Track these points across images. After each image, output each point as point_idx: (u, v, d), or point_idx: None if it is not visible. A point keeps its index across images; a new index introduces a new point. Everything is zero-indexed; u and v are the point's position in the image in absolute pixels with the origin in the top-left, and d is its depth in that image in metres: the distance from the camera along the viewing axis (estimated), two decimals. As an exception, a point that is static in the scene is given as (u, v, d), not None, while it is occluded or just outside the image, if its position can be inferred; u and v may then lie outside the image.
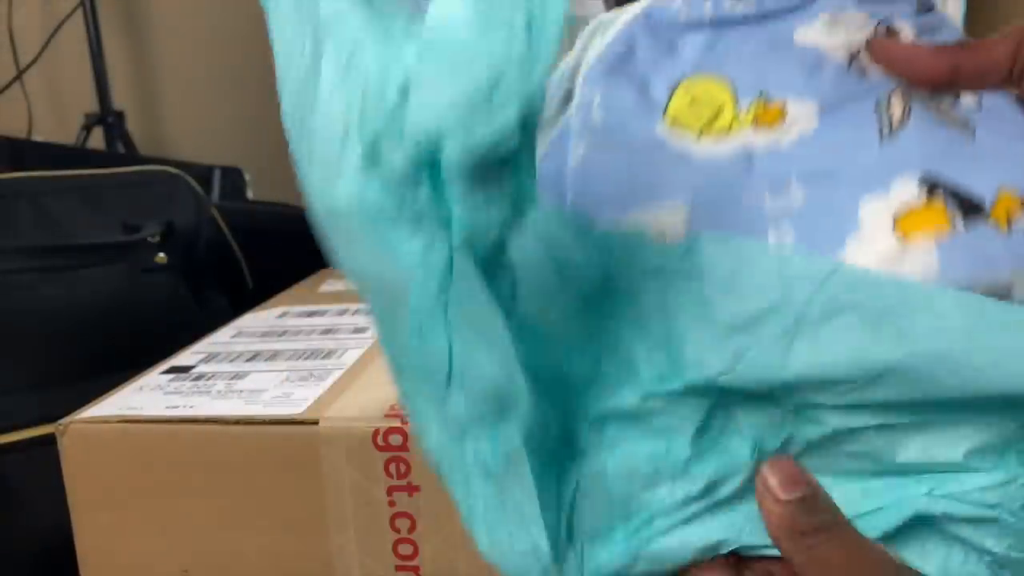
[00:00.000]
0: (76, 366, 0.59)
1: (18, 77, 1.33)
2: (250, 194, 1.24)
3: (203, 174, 1.19)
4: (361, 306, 0.55)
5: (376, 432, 0.36)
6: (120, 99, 1.41)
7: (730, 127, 0.25)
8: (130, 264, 0.65)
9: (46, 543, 0.52)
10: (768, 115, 0.25)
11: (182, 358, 0.46)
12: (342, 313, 0.54)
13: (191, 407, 0.38)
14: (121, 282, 0.64)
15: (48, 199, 0.64)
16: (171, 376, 0.43)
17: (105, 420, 0.38)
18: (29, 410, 0.56)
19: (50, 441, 0.39)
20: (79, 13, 1.32)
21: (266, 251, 0.80)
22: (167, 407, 0.39)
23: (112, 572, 0.39)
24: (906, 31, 0.26)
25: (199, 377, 0.43)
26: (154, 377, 0.43)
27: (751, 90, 0.26)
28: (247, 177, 1.23)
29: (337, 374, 0.42)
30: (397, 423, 0.36)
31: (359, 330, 0.50)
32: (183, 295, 0.68)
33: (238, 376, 0.42)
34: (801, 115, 0.25)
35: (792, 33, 0.27)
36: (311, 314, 0.55)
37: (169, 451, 0.37)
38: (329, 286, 0.64)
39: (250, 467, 0.37)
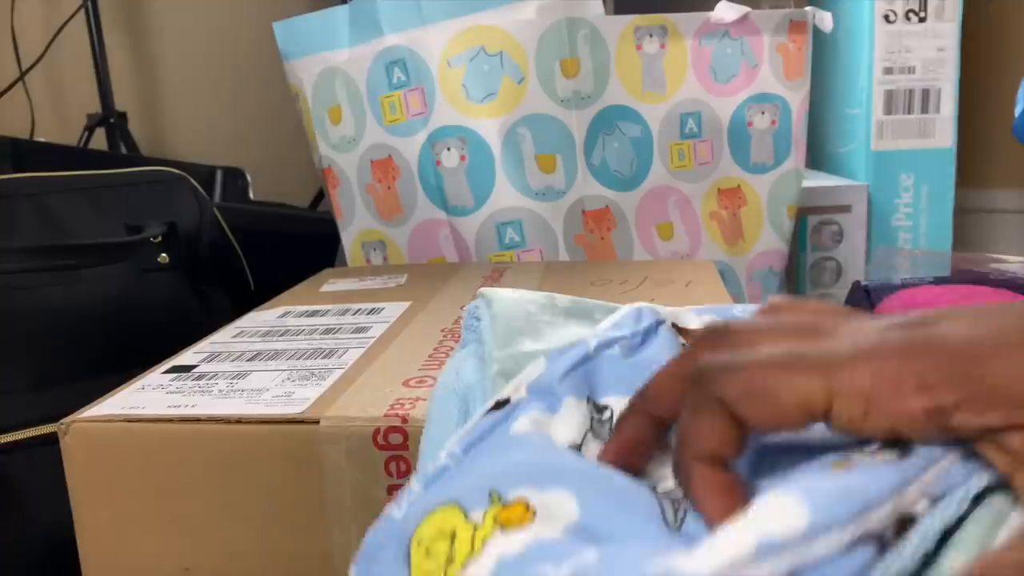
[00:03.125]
0: (78, 366, 0.59)
1: (21, 78, 1.34)
2: (251, 195, 1.24)
3: (205, 175, 1.20)
4: (361, 306, 0.56)
5: (376, 431, 0.36)
6: (122, 100, 1.41)
7: (472, 548, 0.23)
8: (132, 264, 0.65)
9: (48, 542, 0.52)
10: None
11: (184, 358, 0.47)
12: (343, 313, 0.55)
13: (193, 406, 0.39)
14: (123, 282, 0.64)
15: (50, 199, 0.65)
16: (173, 375, 0.43)
17: (107, 419, 0.38)
18: (31, 410, 0.56)
19: (52, 440, 0.39)
20: (81, 14, 1.33)
21: (268, 251, 0.80)
22: (169, 406, 0.39)
23: (114, 570, 0.39)
24: None
25: (200, 377, 0.43)
26: (156, 376, 0.44)
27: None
28: (248, 178, 1.24)
29: (338, 374, 0.42)
30: (397, 423, 0.36)
31: (359, 330, 0.50)
32: (185, 295, 0.68)
33: (239, 376, 0.43)
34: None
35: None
36: (312, 314, 0.55)
37: (171, 450, 0.37)
38: (330, 286, 0.64)
39: (251, 466, 0.37)
